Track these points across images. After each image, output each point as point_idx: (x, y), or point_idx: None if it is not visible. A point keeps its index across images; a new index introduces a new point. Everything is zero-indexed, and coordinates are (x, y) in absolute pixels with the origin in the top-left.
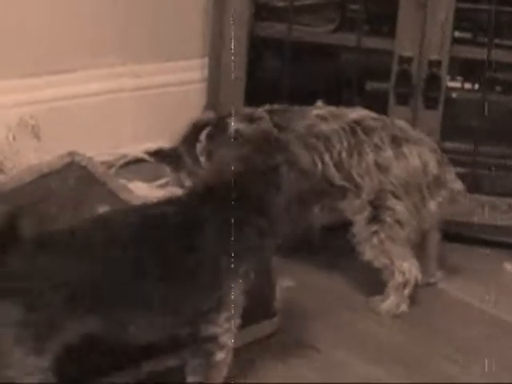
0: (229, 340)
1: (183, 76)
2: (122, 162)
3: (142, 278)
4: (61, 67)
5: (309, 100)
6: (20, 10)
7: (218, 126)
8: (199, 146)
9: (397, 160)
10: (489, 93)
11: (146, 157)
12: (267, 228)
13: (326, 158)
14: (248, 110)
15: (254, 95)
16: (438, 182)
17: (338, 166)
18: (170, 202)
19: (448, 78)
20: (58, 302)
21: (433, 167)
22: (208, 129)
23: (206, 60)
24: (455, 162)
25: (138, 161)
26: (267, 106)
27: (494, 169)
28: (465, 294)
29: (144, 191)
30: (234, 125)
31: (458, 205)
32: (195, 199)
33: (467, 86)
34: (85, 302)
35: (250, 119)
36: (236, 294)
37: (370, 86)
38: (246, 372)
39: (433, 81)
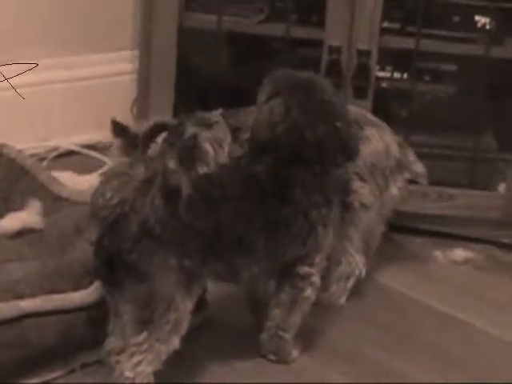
0: (318, 279)
1: (113, 68)
2: (53, 154)
3: (250, 229)
4: None
5: (240, 90)
6: None
7: (175, 131)
8: (154, 147)
9: (361, 142)
10: (417, 82)
11: (78, 149)
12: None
13: None
14: (201, 115)
15: (185, 87)
16: (399, 165)
17: None
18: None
19: (378, 67)
20: (199, 249)
21: (395, 150)
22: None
23: (137, 52)
24: None
25: (69, 153)
26: (219, 110)
27: (423, 158)
28: (397, 283)
29: (78, 183)
30: (190, 130)
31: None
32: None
33: (397, 75)
34: (215, 249)
35: (207, 124)
36: (328, 238)
37: None
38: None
39: (362, 71)
